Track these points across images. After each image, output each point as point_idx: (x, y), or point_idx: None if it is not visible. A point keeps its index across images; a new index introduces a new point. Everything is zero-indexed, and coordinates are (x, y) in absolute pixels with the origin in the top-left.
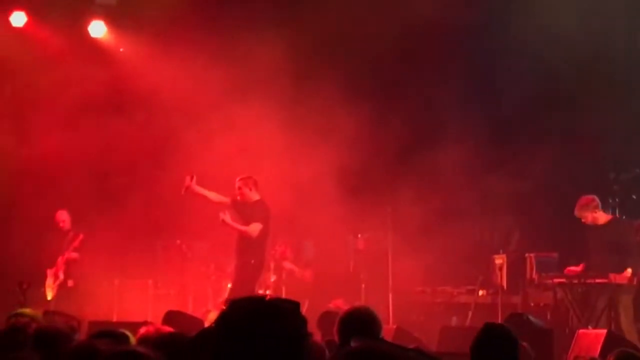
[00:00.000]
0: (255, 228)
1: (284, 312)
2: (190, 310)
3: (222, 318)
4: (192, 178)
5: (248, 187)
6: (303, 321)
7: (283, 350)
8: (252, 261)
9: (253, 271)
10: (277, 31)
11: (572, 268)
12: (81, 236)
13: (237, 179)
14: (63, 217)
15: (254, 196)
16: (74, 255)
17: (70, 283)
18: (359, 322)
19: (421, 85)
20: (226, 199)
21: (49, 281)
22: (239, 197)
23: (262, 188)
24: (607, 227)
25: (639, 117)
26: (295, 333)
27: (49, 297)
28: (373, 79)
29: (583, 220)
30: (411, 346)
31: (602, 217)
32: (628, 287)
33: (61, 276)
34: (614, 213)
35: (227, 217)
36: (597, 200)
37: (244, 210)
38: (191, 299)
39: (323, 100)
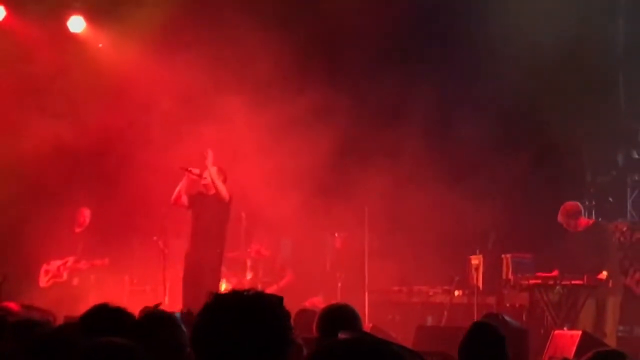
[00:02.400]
0: (226, 192)
1: (267, 305)
2: (166, 306)
3: (206, 311)
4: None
5: (220, 177)
6: (287, 315)
7: (267, 344)
8: (218, 250)
9: (220, 260)
10: (262, 26)
11: (545, 274)
12: (107, 261)
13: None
14: (85, 214)
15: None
16: (86, 266)
17: (75, 282)
18: (340, 317)
19: (401, 86)
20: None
21: (46, 273)
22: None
23: (240, 185)
24: (588, 230)
25: (615, 120)
26: (279, 326)
27: (42, 285)
28: (351, 78)
29: (565, 226)
30: None
31: (583, 222)
32: (613, 289)
33: (64, 277)
34: (590, 215)
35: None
36: (581, 207)
37: (201, 201)
38: (167, 295)
39: (301, 99)
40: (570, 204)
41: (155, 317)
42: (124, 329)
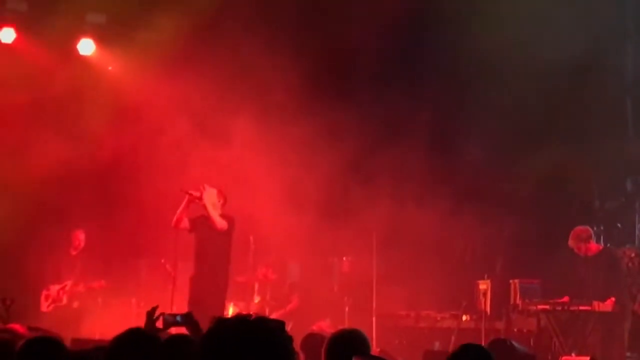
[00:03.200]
0: (223, 222)
1: (270, 330)
2: (173, 329)
3: (210, 336)
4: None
5: (220, 200)
6: (289, 340)
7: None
8: (223, 273)
9: (225, 283)
10: (269, 50)
11: (556, 300)
12: (103, 283)
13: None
14: (80, 237)
15: (219, 210)
16: (84, 289)
17: (75, 305)
18: (350, 343)
19: (408, 110)
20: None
21: (48, 295)
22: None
23: (248, 208)
24: (598, 256)
25: (623, 146)
26: (281, 351)
27: (43, 309)
28: (359, 102)
29: (576, 250)
30: None
31: (594, 248)
32: (621, 316)
33: (64, 300)
34: (598, 241)
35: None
36: (591, 231)
37: (203, 226)
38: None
39: (310, 122)
40: (580, 228)
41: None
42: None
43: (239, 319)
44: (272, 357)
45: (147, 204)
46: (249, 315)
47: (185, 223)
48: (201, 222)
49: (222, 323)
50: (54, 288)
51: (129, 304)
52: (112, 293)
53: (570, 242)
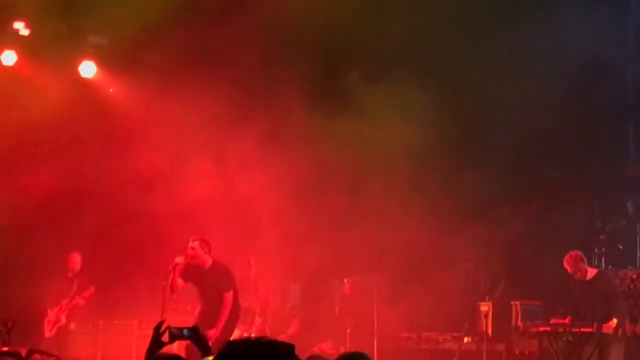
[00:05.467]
0: (227, 301)
1: (279, 353)
2: (175, 351)
3: (220, 356)
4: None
5: (204, 250)
6: None
7: None
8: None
9: (234, 322)
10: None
11: (558, 320)
12: (92, 290)
13: (192, 239)
14: (76, 259)
15: (208, 261)
16: (81, 302)
17: (72, 326)
18: None
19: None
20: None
21: (48, 320)
22: (193, 260)
23: (249, 230)
24: (594, 280)
25: (624, 167)
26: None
27: (47, 335)
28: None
29: (578, 274)
30: None
31: (590, 271)
32: (618, 337)
33: (63, 320)
34: (600, 262)
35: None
36: (581, 255)
37: (198, 278)
38: (176, 341)
39: (309, 141)
40: (574, 252)
41: None
42: None
43: (249, 342)
44: None
45: (148, 226)
46: (259, 339)
47: (180, 282)
48: (195, 273)
49: (232, 346)
50: (53, 312)
51: (130, 326)
52: (113, 315)
53: (572, 267)
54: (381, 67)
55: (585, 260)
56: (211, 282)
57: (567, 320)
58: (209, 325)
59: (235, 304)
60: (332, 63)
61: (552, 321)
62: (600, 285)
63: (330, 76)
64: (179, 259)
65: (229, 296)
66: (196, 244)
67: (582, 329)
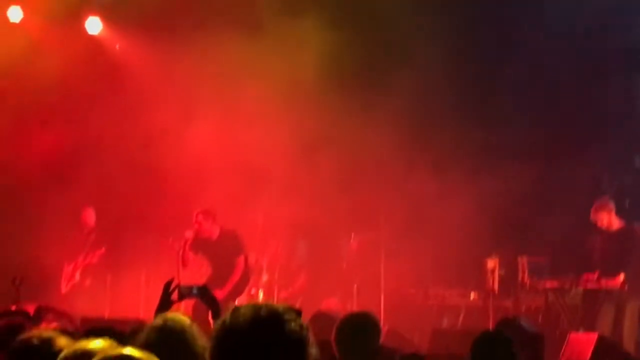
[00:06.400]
0: (240, 266)
1: (286, 319)
2: (182, 307)
3: (224, 325)
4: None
5: (209, 222)
6: (304, 328)
7: (286, 357)
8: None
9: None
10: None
11: (589, 274)
12: (103, 249)
13: (196, 212)
14: (89, 214)
15: (216, 230)
16: (95, 260)
17: (87, 282)
18: (359, 327)
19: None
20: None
21: (64, 277)
22: (200, 233)
23: (257, 186)
24: (620, 232)
25: (632, 122)
26: (297, 340)
27: (63, 291)
28: (367, 76)
29: (599, 223)
30: (405, 347)
31: (616, 222)
32: (634, 294)
33: (77, 277)
34: None
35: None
36: (613, 204)
37: (207, 248)
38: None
39: (319, 101)
40: (603, 199)
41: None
42: None
43: (254, 307)
44: (286, 347)
45: (156, 181)
46: (265, 310)
47: (190, 256)
48: (204, 245)
49: (237, 312)
50: (68, 268)
51: (138, 282)
52: (121, 270)
53: (593, 214)
54: None
55: (613, 210)
56: (222, 251)
57: (595, 275)
58: (218, 287)
59: (247, 269)
60: None
61: (585, 276)
62: (623, 239)
63: None
64: (188, 234)
65: (240, 261)
66: (201, 216)
67: (588, 285)
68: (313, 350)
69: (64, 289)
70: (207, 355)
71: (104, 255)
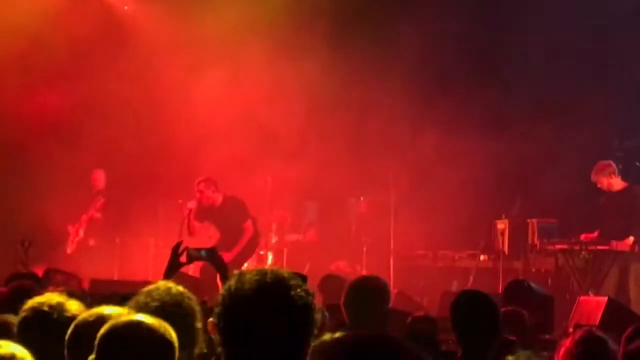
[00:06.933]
0: (248, 230)
1: (291, 285)
2: (191, 270)
3: (230, 291)
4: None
5: (211, 190)
6: (310, 294)
7: (291, 323)
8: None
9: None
10: None
11: (588, 235)
12: (103, 200)
13: (197, 182)
14: (99, 176)
15: (218, 198)
16: (97, 214)
17: (91, 242)
18: (367, 292)
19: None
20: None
21: (70, 237)
22: (203, 202)
23: (265, 149)
24: (622, 193)
25: None
26: (303, 306)
27: (69, 251)
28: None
29: (599, 184)
30: (415, 310)
31: (617, 184)
32: (637, 256)
33: (81, 234)
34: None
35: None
36: (614, 166)
37: (212, 216)
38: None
39: (334, 64)
40: (603, 162)
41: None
42: None
43: (259, 272)
44: (291, 311)
45: (163, 144)
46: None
47: (197, 225)
48: (210, 213)
49: (241, 277)
50: (73, 228)
51: (147, 244)
52: (130, 232)
53: (593, 176)
54: None
55: (614, 172)
56: (227, 217)
57: (595, 234)
58: (227, 250)
59: (255, 232)
60: None
61: (582, 236)
62: (626, 199)
63: None
64: (191, 204)
65: (248, 225)
66: (202, 185)
67: (598, 247)
68: (319, 315)
69: (70, 249)
70: (214, 318)
71: (106, 209)
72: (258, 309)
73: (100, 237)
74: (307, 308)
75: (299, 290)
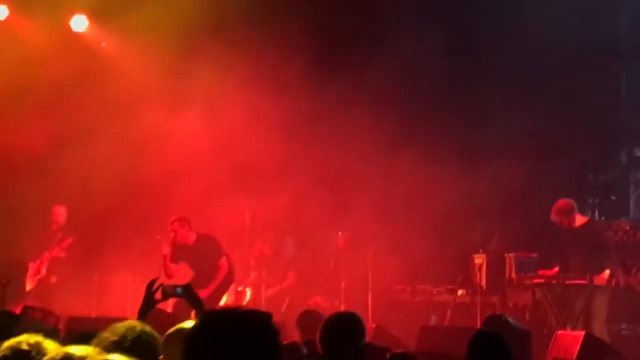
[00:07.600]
0: (223, 268)
1: (256, 323)
2: (169, 306)
3: (194, 330)
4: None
5: (185, 229)
6: (275, 332)
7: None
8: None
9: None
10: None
11: (546, 271)
12: (70, 240)
13: (170, 221)
14: (60, 212)
15: (192, 236)
16: (62, 253)
17: (53, 279)
18: (342, 328)
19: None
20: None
21: (30, 274)
22: (178, 240)
23: (245, 183)
24: (583, 229)
25: (617, 118)
26: (268, 344)
27: (27, 289)
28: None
29: (560, 224)
30: (393, 345)
31: (578, 220)
32: (603, 288)
33: (43, 271)
34: (593, 213)
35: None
36: (574, 203)
37: (186, 254)
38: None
39: (310, 98)
40: (562, 201)
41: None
42: None
43: (225, 311)
44: (256, 350)
45: (143, 178)
46: (234, 310)
47: (173, 267)
48: (184, 252)
49: (208, 316)
50: (34, 265)
51: (125, 280)
52: (107, 269)
53: (553, 216)
54: None
55: (574, 210)
56: (200, 255)
57: (554, 271)
58: (201, 287)
59: (230, 269)
60: None
61: (540, 272)
62: (588, 234)
63: None
64: (165, 249)
65: (223, 262)
66: (176, 224)
67: (575, 281)
68: (284, 354)
69: (29, 286)
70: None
71: (71, 247)
72: (221, 347)
73: (64, 275)
74: (272, 346)
75: (264, 327)
